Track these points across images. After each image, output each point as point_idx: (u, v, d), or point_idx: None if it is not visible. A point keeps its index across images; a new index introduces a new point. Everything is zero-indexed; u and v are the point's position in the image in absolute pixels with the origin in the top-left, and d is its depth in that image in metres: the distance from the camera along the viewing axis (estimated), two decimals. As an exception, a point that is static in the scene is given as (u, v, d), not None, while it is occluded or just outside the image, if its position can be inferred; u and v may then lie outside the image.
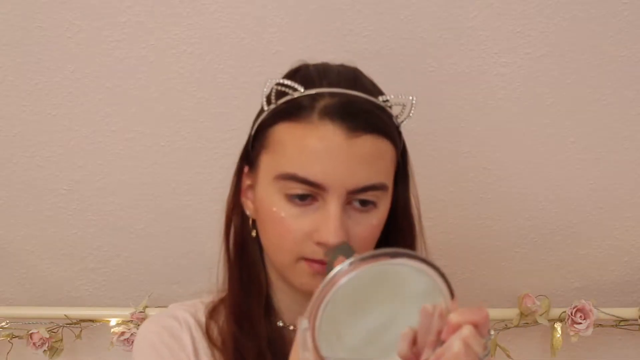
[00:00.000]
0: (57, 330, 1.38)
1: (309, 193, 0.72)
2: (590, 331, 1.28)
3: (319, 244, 0.72)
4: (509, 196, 1.25)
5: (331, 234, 0.70)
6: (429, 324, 0.62)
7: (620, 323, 1.32)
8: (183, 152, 1.21)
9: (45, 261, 1.34)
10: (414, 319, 0.62)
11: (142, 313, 1.31)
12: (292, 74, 0.77)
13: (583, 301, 1.28)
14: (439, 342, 0.62)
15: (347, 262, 0.60)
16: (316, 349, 0.61)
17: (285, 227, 0.73)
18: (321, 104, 0.72)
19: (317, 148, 0.71)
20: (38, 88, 1.16)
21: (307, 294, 0.77)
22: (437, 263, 0.63)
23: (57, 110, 1.18)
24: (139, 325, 1.31)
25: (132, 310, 1.32)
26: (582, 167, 1.22)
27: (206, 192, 1.24)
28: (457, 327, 0.61)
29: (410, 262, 0.62)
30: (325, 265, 0.73)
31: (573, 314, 1.28)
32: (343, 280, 0.60)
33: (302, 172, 0.71)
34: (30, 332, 1.36)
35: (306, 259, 0.73)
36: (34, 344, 1.36)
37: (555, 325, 1.31)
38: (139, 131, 1.20)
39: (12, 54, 1.13)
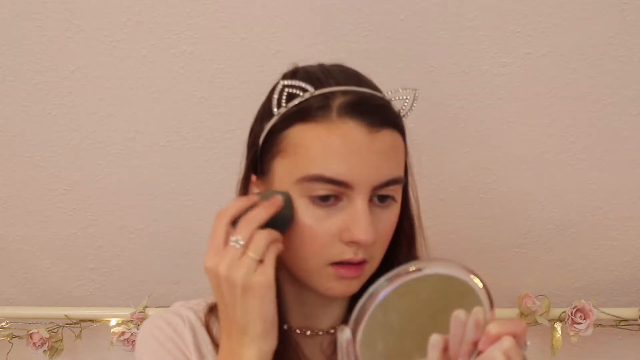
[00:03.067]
0: (57, 330, 1.38)
1: (333, 193, 0.71)
2: (590, 331, 1.28)
3: (349, 243, 0.71)
4: (509, 196, 1.25)
5: (363, 232, 0.70)
6: (461, 332, 0.62)
7: (620, 323, 1.32)
8: (183, 152, 1.21)
9: (45, 261, 1.35)
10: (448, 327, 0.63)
11: (142, 313, 1.32)
12: (291, 76, 0.76)
13: (583, 301, 1.28)
14: (474, 351, 0.62)
15: (387, 276, 0.61)
16: (357, 359, 0.62)
17: (311, 231, 0.72)
18: (336, 102, 0.72)
19: (341, 146, 0.70)
20: (38, 88, 1.16)
21: (317, 298, 0.77)
22: (479, 272, 0.63)
23: (57, 110, 1.18)
24: (139, 325, 1.31)
25: (132, 310, 1.32)
26: (582, 167, 1.22)
27: (206, 192, 1.24)
28: (496, 338, 0.61)
29: (449, 271, 0.63)
30: (356, 268, 0.72)
31: (573, 314, 1.28)
32: (383, 293, 0.61)
33: (328, 172, 0.70)
34: (30, 332, 1.36)
35: (334, 264, 0.72)
36: (34, 344, 1.36)
37: (555, 325, 1.31)
38: (139, 131, 1.20)
39: (12, 54, 1.13)
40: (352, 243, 0.71)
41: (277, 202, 0.70)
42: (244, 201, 0.71)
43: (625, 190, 1.25)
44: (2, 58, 1.14)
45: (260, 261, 0.68)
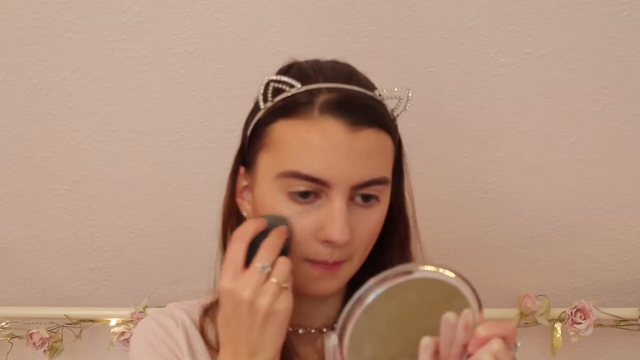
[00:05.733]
0: (57, 330, 1.38)
1: (311, 190, 0.71)
2: (590, 331, 1.28)
3: (324, 242, 0.71)
4: (509, 196, 1.25)
5: (337, 231, 0.70)
6: (452, 334, 0.62)
7: (620, 323, 1.32)
8: (183, 152, 1.21)
9: (45, 261, 1.35)
10: (438, 330, 0.63)
11: (142, 313, 1.31)
12: (285, 71, 0.77)
13: (583, 301, 1.28)
14: (465, 354, 0.62)
15: (374, 280, 0.61)
16: None
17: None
18: (320, 99, 0.72)
19: (320, 144, 0.70)
20: (38, 88, 1.16)
21: (307, 296, 0.76)
22: (466, 275, 0.63)
23: (57, 110, 1.18)
24: (138, 325, 1.31)
25: (132, 310, 1.32)
26: (582, 167, 1.22)
27: (206, 192, 1.24)
28: (485, 341, 0.61)
29: (437, 275, 0.63)
30: (330, 266, 0.72)
31: (573, 314, 1.28)
32: (370, 298, 0.61)
33: (305, 169, 0.70)
34: (30, 332, 1.36)
35: (309, 261, 0.73)
36: (34, 344, 1.36)
37: (555, 325, 1.31)
38: (139, 131, 1.20)
39: (12, 54, 1.13)
40: (327, 242, 0.71)
41: (285, 232, 0.71)
42: (258, 224, 0.71)
43: (625, 190, 1.25)
44: (2, 58, 1.14)
45: (283, 288, 0.68)
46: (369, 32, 1.11)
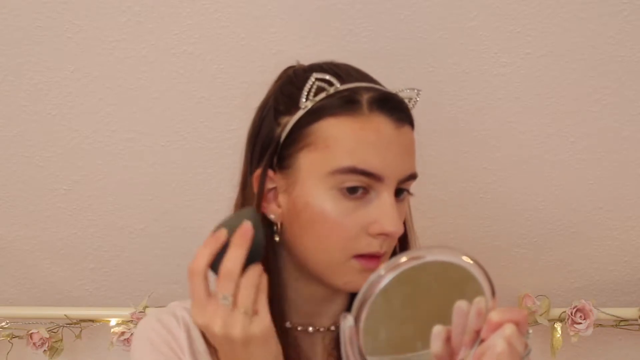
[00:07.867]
0: (57, 330, 1.38)
1: (363, 185, 0.72)
2: (590, 331, 1.28)
3: (378, 235, 0.72)
4: (509, 196, 1.25)
5: (392, 224, 0.71)
6: (464, 322, 0.62)
7: (620, 323, 1.32)
8: (183, 152, 1.21)
9: (45, 261, 1.35)
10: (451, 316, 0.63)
11: (142, 313, 1.32)
12: (305, 72, 0.77)
13: (583, 301, 1.28)
14: (477, 340, 0.62)
15: (388, 264, 0.62)
16: (359, 347, 0.63)
17: (339, 224, 0.72)
18: (364, 97, 0.73)
19: (373, 139, 0.71)
20: (38, 88, 1.16)
21: (322, 294, 0.78)
22: (480, 260, 0.63)
23: (57, 110, 1.18)
24: (139, 325, 1.31)
25: (132, 310, 1.32)
26: (582, 167, 1.22)
27: (206, 192, 1.24)
28: (498, 326, 0.61)
29: (450, 258, 0.63)
30: (378, 258, 0.73)
31: (573, 314, 1.28)
32: (385, 281, 0.61)
33: (361, 164, 0.71)
34: (30, 332, 1.36)
35: (358, 256, 0.73)
36: (34, 344, 1.36)
37: (555, 325, 1.31)
38: (139, 131, 1.20)
39: (12, 54, 1.13)
40: (380, 235, 0.72)
41: (247, 232, 0.65)
42: (212, 245, 0.66)
43: (625, 190, 1.25)
44: (2, 58, 1.14)
45: (253, 312, 0.65)
46: (369, 32, 1.11)
